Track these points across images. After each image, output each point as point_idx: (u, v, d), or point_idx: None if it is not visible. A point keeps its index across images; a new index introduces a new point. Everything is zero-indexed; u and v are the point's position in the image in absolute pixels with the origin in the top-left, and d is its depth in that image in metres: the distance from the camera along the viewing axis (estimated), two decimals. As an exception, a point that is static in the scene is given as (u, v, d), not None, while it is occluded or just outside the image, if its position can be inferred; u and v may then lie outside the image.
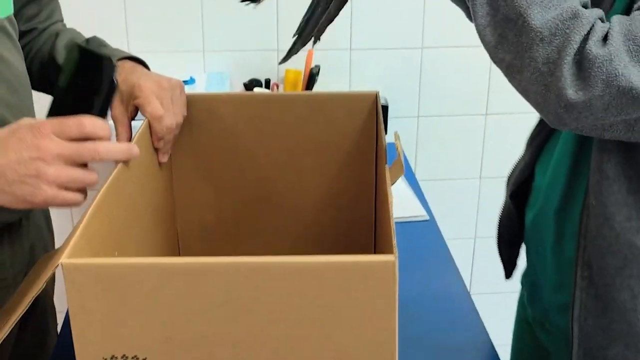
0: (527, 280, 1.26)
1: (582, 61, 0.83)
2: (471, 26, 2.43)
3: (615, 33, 0.83)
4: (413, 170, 2.25)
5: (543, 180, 1.14)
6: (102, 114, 0.94)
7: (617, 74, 0.81)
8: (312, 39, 1.06)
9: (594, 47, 0.82)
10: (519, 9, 0.84)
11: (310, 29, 1.06)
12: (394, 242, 0.69)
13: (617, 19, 0.85)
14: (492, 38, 0.88)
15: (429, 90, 2.25)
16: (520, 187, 1.21)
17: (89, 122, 0.85)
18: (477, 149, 2.34)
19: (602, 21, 0.86)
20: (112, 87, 0.94)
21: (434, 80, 2.23)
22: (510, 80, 0.90)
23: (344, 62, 2.16)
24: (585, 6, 0.87)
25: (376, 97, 1.17)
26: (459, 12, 2.33)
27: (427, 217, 1.68)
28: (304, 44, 1.08)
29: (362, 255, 0.66)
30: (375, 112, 1.18)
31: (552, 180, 1.10)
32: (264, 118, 1.19)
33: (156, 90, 1.05)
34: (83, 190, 0.87)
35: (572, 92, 0.83)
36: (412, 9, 2.14)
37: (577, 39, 0.83)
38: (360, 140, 1.20)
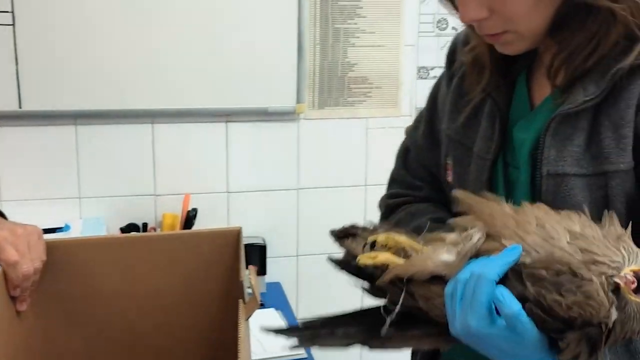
0: None
1: None
2: (344, 168, 2.51)
3: None
4: (294, 310, 2.25)
5: None
6: None
7: None
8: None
9: None
10: None
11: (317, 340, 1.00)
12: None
13: None
14: None
15: (306, 230, 2.30)
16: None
17: None
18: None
19: None
20: None
21: (311, 219, 2.29)
22: None
23: (221, 205, 2.20)
24: None
25: (239, 232, 1.20)
26: (331, 156, 2.41)
27: (305, 355, 1.68)
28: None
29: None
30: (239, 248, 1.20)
31: None
32: (128, 260, 1.19)
33: (10, 237, 1.04)
34: None
35: None
36: (287, 151, 2.23)
37: None
38: (226, 276, 1.21)
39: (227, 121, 2.15)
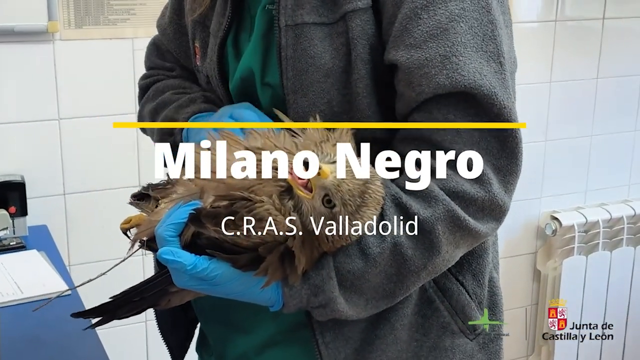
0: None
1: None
2: (110, 93, 2.28)
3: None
4: (66, 254, 2.05)
5: None
6: None
7: None
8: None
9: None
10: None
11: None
12: None
13: None
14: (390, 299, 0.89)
15: (73, 165, 2.08)
16: None
17: None
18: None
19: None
20: None
21: (77, 153, 2.07)
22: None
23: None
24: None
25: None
26: (94, 81, 2.18)
27: (69, 292, 1.51)
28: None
29: None
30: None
31: None
32: None
33: None
34: None
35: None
36: (43, 77, 1.99)
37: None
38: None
39: (-34, 43, 1.88)
